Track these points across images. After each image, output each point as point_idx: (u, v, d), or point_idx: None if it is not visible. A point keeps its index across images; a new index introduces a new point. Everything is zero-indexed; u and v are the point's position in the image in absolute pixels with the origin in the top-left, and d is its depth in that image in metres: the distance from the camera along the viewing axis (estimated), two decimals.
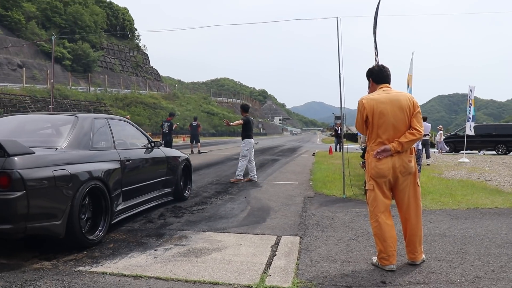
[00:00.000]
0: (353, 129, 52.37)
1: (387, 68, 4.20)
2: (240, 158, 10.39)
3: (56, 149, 4.59)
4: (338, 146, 25.42)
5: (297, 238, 4.99)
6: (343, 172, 8.32)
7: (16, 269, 3.84)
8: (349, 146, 17.10)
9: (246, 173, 10.45)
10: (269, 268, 3.92)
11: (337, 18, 8.25)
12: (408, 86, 10.46)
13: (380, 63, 4.43)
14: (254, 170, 10.53)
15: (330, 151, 22.38)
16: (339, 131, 26.14)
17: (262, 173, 12.31)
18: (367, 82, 4.30)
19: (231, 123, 10.75)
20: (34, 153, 4.08)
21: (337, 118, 37.37)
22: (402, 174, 3.91)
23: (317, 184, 9.76)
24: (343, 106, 8.38)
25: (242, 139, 10.51)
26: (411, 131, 3.88)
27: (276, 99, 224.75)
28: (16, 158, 3.84)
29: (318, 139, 63.70)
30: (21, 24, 52.09)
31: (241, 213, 6.45)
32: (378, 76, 4.16)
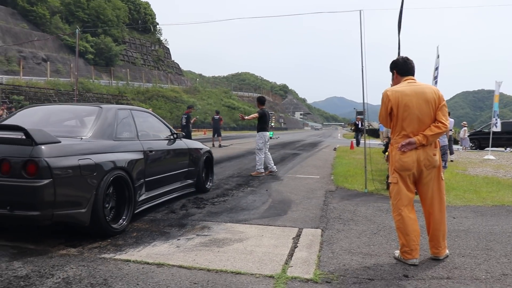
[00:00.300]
0: (375, 125, 51.90)
1: (412, 60, 4.15)
2: (256, 151, 10.40)
3: (81, 138, 4.66)
4: (357, 140, 25.29)
5: (319, 230, 4.99)
6: (365, 167, 8.27)
7: (44, 254, 3.93)
8: (370, 141, 16.93)
9: (266, 167, 10.46)
10: (291, 260, 3.93)
11: (360, 11, 8.15)
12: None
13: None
14: (272, 161, 10.56)
15: (352, 146, 22.25)
16: (359, 125, 25.88)
17: (283, 167, 12.31)
18: (391, 74, 4.26)
19: (246, 117, 10.78)
20: (60, 142, 4.16)
21: (359, 113, 37.00)
22: (427, 168, 3.87)
23: (338, 178, 9.72)
24: (365, 101, 8.32)
25: (257, 131, 10.52)
26: (436, 124, 3.83)
27: (297, 94, 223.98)
28: (43, 147, 3.91)
29: (339, 134, 63.29)
30: (46, 19, 52.89)
31: (262, 205, 6.47)
32: (402, 68, 4.11)
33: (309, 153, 18.90)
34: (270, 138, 34.43)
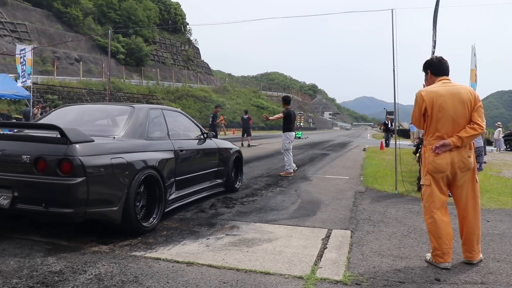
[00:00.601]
0: (405, 125, 51.10)
1: (446, 60, 4.07)
2: (283, 151, 10.35)
3: (114, 138, 4.74)
4: (387, 141, 24.53)
5: (348, 232, 4.94)
6: (395, 168, 8.15)
7: (77, 251, 4.01)
8: (400, 142, 16.71)
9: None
10: (320, 261, 3.90)
11: (392, 10, 8.05)
12: (471, 82, 10.09)
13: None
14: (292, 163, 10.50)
15: (382, 147, 21.97)
16: (389, 125, 25.20)
17: (312, 167, 12.27)
18: (424, 74, 4.18)
19: (271, 118, 10.72)
20: (93, 141, 4.23)
21: (389, 113, 36.40)
22: (461, 170, 3.78)
23: (368, 179, 9.62)
24: (396, 101, 8.21)
25: (283, 132, 10.44)
26: (472, 125, 3.74)
27: (326, 94, 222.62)
28: (77, 145, 4.00)
29: (368, 135, 62.60)
30: (79, 20, 54.12)
31: (291, 206, 6.45)
32: (437, 68, 4.03)
33: (338, 153, 18.76)
34: (299, 138, 34.34)
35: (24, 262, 3.66)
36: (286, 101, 10.69)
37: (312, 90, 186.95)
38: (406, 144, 25.48)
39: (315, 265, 3.78)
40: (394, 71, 7.87)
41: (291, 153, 10.33)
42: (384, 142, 24.00)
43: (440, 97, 3.77)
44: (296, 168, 10.47)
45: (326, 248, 4.31)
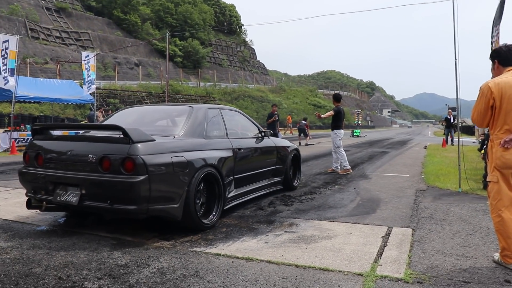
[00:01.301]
0: (468, 121, 49.05)
1: None
2: (335, 150, 10.25)
3: (174, 137, 4.86)
4: (450, 138, 22.77)
5: (409, 230, 4.82)
6: (459, 165, 7.85)
7: (140, 246, 4.15)
8: (464, 139, 16.06)
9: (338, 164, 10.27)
10: (380, 258, 3.83)
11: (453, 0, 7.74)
12: None
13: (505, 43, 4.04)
14: (339, 161, 10.37)
15: (444, 144, 21.20)
16: (451, 120, 23.38)
17: (371, 165, 12.06)
18: (491, 64, 3.97)
19: (323, 115, 10.71)
20: (154, 140, 4.36)
21: (451, 109, 34.90)
22: None
23: (429, 177, 9.32)
24: (458, 96, 7.90)
25: (332, 129, 10.37)
26: None
27: (384, 91, 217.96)
28: (139, 145, 4.13)
29: (429, 132, 60.69)
30: (137, 26, 56.07)
31: (350, 204, 6.37)
32: (506, 57, 3.80)
33: (398, 151, 18.31)
34: (357, 136, 33.78)
35: (92, 255, 3.84)
36: (336, 98, 10.64)
37: (370, 88, 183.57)
38: (470, 141, 24.45)
39: (375, 262, 3.71)
40: (455, 63, 7.57)
41: (342, 150, 10.23)
42: (445, 138, 22.77)
43: (510, 89, 3.57)
44: (339, 171, 10.27)
45: (386, 245, 4.22)
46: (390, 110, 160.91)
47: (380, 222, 5.18)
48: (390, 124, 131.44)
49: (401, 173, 10.26)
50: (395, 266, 3.62)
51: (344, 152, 10.16)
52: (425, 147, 20.96)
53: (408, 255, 3.91)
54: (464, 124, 46.60)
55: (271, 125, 16.41)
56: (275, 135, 15.79)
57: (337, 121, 10.29)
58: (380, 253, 3.97)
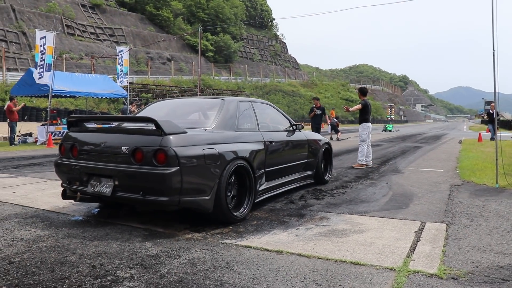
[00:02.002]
0: (507, 115, 47.62)
1: None
2: (359, 143, 10.16)
3: (205, 129, 4.87)
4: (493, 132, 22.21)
5: (443, 225, 4.70)
6: (496, 159, 7.60)
7: (171, 237, 4.19)
8: (502, 133, 15.59)
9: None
10: (413, 253, 3.75)
11: None
12: None
13: None
14: (371, 155, 10.32)
15: (480, 139, 20.61)
16: (494, 115, 22.55)
17: (403, 160, 11.86)
18: None
19: (351, 109, 10.66)
20: (186, 132, 4.38)
21: (488, 103, 33.81)
22: None
23: (464, 172, 9.08)
24: (496, 90, 7.64)
25: (360, 123, 10.31)
26: None
27: (418, 85, 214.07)
28: (171, 137, 4.15)
29: (465, 127, 59.24)
30: (170, 21, 56.63)
31: (382, 198, 6.27)
32: None
33: (431, 146, 17.94)
34: (390, 131, 33.27)
35: (124, 245, 3.89)
36: (362, 92, 10.56)
37: (403, 82, 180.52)
38: (508, 135, 23.72)
39: (408, 257, 3.63)
40: (494, 56, 7.33)
41: (369, 144, 10.12)
42: (492, 133, 21.86)
43: None
44: (371, 165, 10.13)
45: (420, 240, 4.13)
46: (423, 104, 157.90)
47: (413, 217, 5.08)
48: (424, 118, 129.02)
49: (434, 168, 10.04)
50: (428, 261, 3.54)
51: (365, 147, 10.02)
52: (460, 141, 20.47)
53: (442, 251, 3.82)
54: (502, 118, 45.32)
55: (314, 119, 16.01)
56: (318, 130, 15.49)
57: (364, 115, 10.24)
58: (413, 248, 3.89)
